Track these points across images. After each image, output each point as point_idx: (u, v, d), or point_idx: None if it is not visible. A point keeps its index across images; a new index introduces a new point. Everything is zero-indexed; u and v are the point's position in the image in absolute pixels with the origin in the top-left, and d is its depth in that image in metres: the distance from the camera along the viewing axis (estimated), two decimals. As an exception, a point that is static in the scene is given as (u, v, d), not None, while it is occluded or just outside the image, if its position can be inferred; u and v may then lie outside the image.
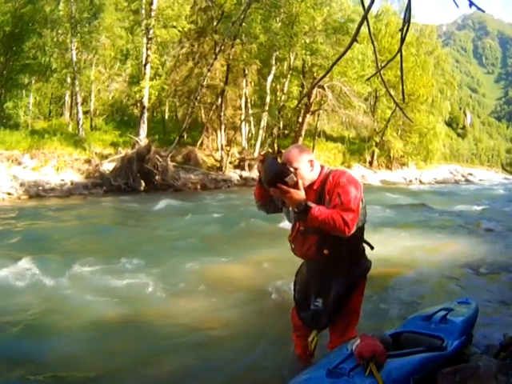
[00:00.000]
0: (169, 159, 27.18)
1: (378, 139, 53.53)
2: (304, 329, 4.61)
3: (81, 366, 5.32)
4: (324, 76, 4.22)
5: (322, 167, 4.38)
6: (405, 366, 4.09)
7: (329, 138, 54.00)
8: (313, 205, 3.93)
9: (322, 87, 37.46)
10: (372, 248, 4.44)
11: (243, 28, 33.10)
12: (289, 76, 39.77)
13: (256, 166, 19.51)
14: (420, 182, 52.96)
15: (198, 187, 27.93)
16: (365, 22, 2.84)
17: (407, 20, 2.75)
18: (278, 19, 36.47)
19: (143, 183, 24.63)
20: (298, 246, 4.39)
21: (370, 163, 53.49)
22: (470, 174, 71.08)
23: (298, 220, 4.29)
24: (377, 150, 53.92)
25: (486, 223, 16.79)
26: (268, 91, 38.92)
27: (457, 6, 2.44)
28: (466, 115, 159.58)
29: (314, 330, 4.49)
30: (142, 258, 9.53)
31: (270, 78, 38.73)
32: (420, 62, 54.00)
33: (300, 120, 40.78)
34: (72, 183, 23.08)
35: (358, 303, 4.47)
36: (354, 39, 2.93)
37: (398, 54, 2.90)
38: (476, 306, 5.85)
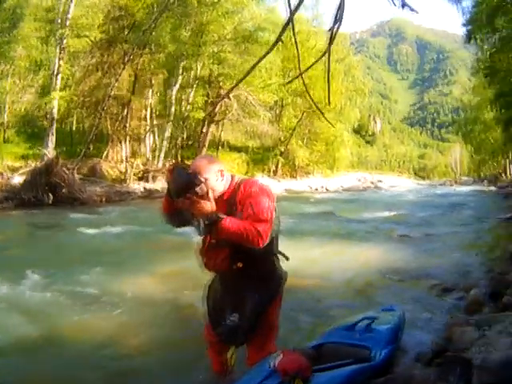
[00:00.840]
0: (75, 172, 27.39)
1: (282, 148, 55.13)
2: (220, 345, 4.60)
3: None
4: (242, 79, 5.39)
5: (233, 177, 4.42)
6: (333, 379, 4.19)
7: (232, 148, 54.98)
8: (223, 216, 3.95)
9: (228, 96, 38.50)
10: (287, 259, 4.49)
11: (153, 37, 34.32)
12: (194, 86, 41.13)
13: (160, 178, 22.17)
14: (326, 190, 54.07)
15: (103, 200, 28.02)
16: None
17: (339, 19, 2.79)
18: (187, 28, 37.68)
19: (51, 196, 24.37)
20: (210, 260, 4.39)
21: (274, 172, 54.71)
22: (380, 181, 73.74)
23: (208, 232, 4.25)
24: (281, 159, 55.42)
25: (400, 230, 17.73)
26: (173, 101, 40.06)
27: (394, 4, 2.55)
28: (375, 122, 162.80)
29: (231, 346, 4.52)
30: (52, 273, 9.66)
31: (175, 88, 40.02)
32: (330, 69, 53.93)
33: (204, 130, 42.03)
34: (-15, 197, 23.03)
35: (275, 316, 4.53)
36: (279, 39, 3.02)
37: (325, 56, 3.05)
38: (402, 313, 6.12)
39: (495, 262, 11.19)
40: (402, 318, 6.02)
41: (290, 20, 2.98)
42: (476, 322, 5.95)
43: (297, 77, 3.83)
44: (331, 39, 3.00)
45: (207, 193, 4.01)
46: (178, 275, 9.91)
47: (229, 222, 3.92)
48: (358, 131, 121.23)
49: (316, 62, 3.44)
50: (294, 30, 3.08)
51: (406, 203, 34.89)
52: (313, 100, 4.13)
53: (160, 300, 8.30)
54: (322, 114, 4.70)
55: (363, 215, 24.08)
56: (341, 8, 2.80)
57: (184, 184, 3.98)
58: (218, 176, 4.23)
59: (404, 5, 2.69)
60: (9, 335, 6.55)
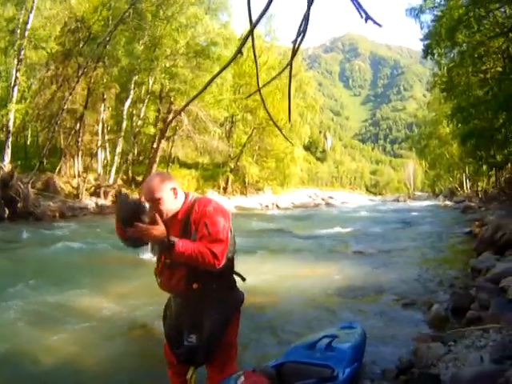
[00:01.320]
0: (29, 186, 27.40)
1: (232, 165, 55.30)
2: (179, 365, 4.55)
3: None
4: (199, 93, 5.00)
5: (187, 195, 4.41)
6: None
7: (183, 164, 54.98)
8: (176, 239, 3.92)
9: (180, 113, 39.08)
10: (243, 280, 4.53)
11: (107, 50, 34.93)
12: (146, 101, 41.49)
13: (111, 193, 23.05)
14: (277, 206, 54.88)
15: (57, 215, 28.26)
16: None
17: (302, 30, 2.74)
18: (141, 42, 38.24)
19: (7, 211, 24.44)
20: (165, 280, 4.36)
21: (225, 189, 54.72)
22: (331, 197, 75.11)
23: (161, 253, 4.25)
24: (231, 176, 55.43)
25: (354, 246, 18.04)
26: (125, 116, 40.94)
27: (361, 16, 2.52)
28: (326, 138, 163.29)
29: (191, 366, 4.46)
30: (5, 290, 9.65)
31: (127, 103, 40.51)
32: (281, 85, 52.25)
33: (154, 146, 42.15)
34: None
35: (234, 337, 4.54)
36: (239, 51, 2.93)
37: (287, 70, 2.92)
38: (362, 331, 6.20)
39: (456, 277, 11.68)
40: (363, 336, 6.11)
41: (251, 32, 2.85)
42: (441, 338, 6.36)
43: (255, 92, 3.72)
44: (294, 52, 2.91)
45: (155, 217, 4.00)
46: (134, 292, 10.10)
47: (182, 246, 3.91)
48: (308, 148, 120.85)
49: (277, 75, 3.52)
50: (253, 42, 2.96)
51: (358, 219, 35.09)
52: (271, 116, 3.81)
53: (117, 318, 8.35)
54: (280, 130, 4.24)
55: (316, 232, 24.20)
56: (305, 20, 2.74)
57: (129, 214, 4.01)
58: (172, 194, 4.23)
59: (368, 18, 2.59)
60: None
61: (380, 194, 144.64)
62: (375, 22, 2.60)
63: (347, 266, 14.06)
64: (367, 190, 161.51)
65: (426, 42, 31.98)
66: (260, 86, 3.31)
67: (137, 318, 8.34)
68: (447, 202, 63.53)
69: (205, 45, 41.09)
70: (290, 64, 2.91)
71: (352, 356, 5.32)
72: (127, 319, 8.29)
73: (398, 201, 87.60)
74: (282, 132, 4.89)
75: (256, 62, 3.61)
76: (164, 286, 4.46)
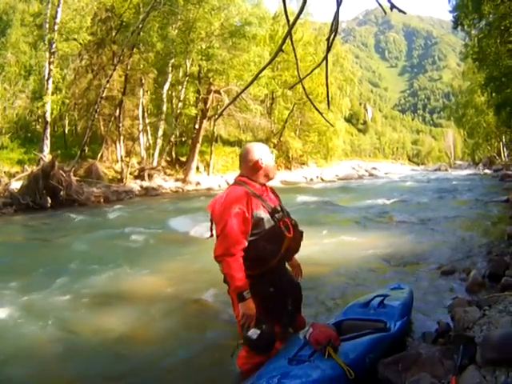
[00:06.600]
0: (72, 174, 26.79)
1: (275, 140, 54.89)
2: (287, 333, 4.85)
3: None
4: (243, 90, 5.00)
5: None
6: (358, 347, 4.59)
7: (225, 142, 54.64)
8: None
9: (219, 92, 39.62)
10: None
11: (141, 37, 34.59)
12: (185, 83, 40.73)
13: (156, 176, 21.93)
14: (322, 179, 54.39)
15: (101, 200, 27.96)
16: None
17: (334, 29, 2.98)
18: (174, 26, 37.81)
19: (50, 200, 24.22)
20: (294, 240, 4.65)
21: None
22: (374, 168, 74.10)
23: (286, 218, 4.61)
24: (275, 151, 53.08)
25: (398, 216, 17.71)
26: (164, 99, 40.31)
27: (384, 12, 2.77)
28: (366, 110, 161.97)
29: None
30: (59, 275, 9.53)
31: (166, 86, 40.15)
32: (318, 60, 45.90)
33: (197, 126, 41.70)
34: (-16, 204, 22.35)
35: None
36: (280, 49, 3.12)
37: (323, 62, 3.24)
38: (410, 290, 6.58)
39: (493, 244, 11.43)
40: (411, 295, 6.42)
41: (289, 33, 3.11)
42: (477, 303, 6.32)
43: (296, 83, 4.86)
44: (329, 48, 3.13)
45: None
46: (185, 271, 9.95)
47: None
48: (349, 120, 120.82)
49: (315, 68, 3.76)
50: (292, 41, 3.17)
51: (402, 189, 34.55)
52: (314, 105, 4.06)
53: (171, 296, 8.29)
54: (321, 113, 4.29)
55: (361, 203, 24.00)
56: (336, 19, 2.98)
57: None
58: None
59: (393, 7, 2.78)
60: (19, 340, 6.47)
61: (422, 164, 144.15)
62: (400, 10, 2.84)
63: (391, 235, 14.05)
64: (409, 160, 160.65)
65: (455, 14, 32.52)
66: (301, 77, 3.46)
67: (191, 293, 8.26)
68: (486, 171, 62.67)
69: (239, 25, 40.55)
70: (326, 59, 3.18)
71: (402, 311, 5.68)
72: (181, 295, 8.24)
73: (440, 170, 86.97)
74: (322, 114, 4.36)
75: (295, 55, 3.95)
76: (293, 247, 4.72)
